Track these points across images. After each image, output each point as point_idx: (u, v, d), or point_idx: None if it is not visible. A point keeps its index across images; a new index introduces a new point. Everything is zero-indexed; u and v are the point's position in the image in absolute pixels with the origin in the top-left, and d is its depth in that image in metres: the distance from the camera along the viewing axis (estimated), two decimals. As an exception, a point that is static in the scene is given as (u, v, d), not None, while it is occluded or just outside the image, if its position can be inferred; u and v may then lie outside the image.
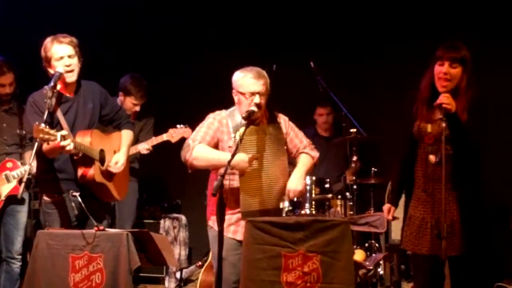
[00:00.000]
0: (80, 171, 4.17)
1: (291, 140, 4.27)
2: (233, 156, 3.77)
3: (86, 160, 4.17)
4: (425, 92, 3.79)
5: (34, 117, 4.03)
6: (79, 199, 4.12)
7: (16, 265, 5.23)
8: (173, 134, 5.78)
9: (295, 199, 5.09)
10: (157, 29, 7.19)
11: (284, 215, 4.26)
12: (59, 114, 4.14)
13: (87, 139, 4.16)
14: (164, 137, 5.80)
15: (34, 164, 4.27)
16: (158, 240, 3.99)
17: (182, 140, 5.72)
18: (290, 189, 4.09)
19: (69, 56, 4.16)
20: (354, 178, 6.16)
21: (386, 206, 4.04)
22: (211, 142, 4.05)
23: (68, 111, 4.21)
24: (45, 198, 4.25)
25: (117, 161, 4.37)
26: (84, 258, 3.79)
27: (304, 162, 4.23)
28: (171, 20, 7.21)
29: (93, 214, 4.10)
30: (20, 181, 5.03)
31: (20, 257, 5.25)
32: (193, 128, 5.75)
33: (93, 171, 4.18)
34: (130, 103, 5.87)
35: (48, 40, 4.19)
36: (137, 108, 5.93)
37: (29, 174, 3.77)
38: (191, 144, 4.01)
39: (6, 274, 5.22)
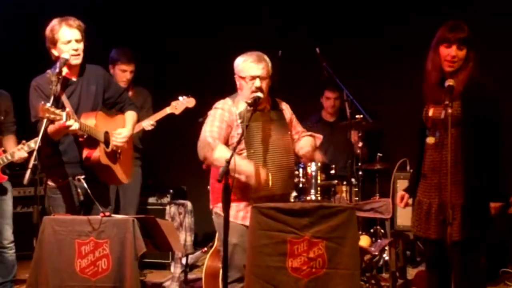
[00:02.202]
0: (85, 153, 4.16)
1: (294, 126, 4.30)
2: (239, 141, 3.79)
3: (91, 141, 4.16)
4: (433, 77, 3.76)
5: (38, 100, 3.97)
6: (85, 184, 4.13)
7: (9, 253, 5.11)
8: (176, 106, 5.72)
9: (300, 185, 5.12)
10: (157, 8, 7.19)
11: (292, 201, 4.23)
12: (64, 97, 4.12)
13: (92, 121, 4.14)
14: (168, 110, 5.72)
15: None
16: (164, 226, 3.99)
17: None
18: (303, 146, 4.14)
19: (77, 41, 4.13)
20: (359, 164, 6.16)
21: (400, 193, 4.04)
22: (226, 136, 4.04)
23: (72, 94, 4.19)
24: (50, 183, 4.24)
25: (120, 133, 4.32)
26: (90, 244, 3.79)
27: (309, 140, 4.26)
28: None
29: (98, 199, 4.11)
30: (3, 169, 4.98)
31: (12, 245, 5.13)
32: (196, 99, 5.73)
33: (98, 153, 4.17)
34: (119, 71, 5.73)
35: (55, 21, 4.13)
36: (128, 76, 5.76)
37: (34, 160, 3.74)
38: (211, 143, 3.95)
39: (0, 264, 5.12)
